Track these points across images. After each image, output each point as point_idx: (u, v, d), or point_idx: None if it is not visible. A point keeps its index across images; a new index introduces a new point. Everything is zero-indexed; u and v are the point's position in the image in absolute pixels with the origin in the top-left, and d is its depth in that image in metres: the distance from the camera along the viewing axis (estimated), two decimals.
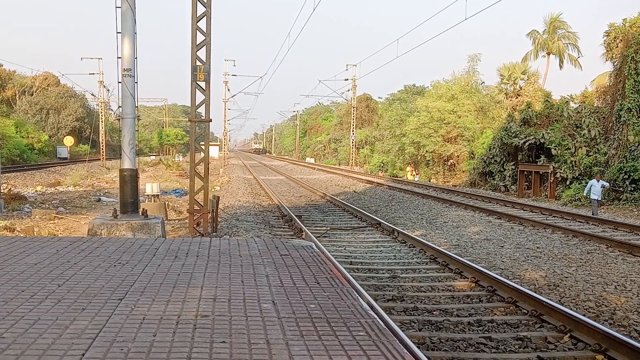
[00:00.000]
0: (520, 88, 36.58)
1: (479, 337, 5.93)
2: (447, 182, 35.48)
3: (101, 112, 53.58)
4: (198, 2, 11.97)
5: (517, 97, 35.81)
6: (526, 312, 6.79)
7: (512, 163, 27.36)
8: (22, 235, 11.75)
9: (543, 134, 25.11)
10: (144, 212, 10.19)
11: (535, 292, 7.33)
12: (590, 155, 22.85)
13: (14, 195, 19.15)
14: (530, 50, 46.70)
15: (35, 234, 12.20)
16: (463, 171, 34.91)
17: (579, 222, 15.15)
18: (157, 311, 4.43)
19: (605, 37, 24.80)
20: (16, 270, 5.79)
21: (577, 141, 23.58)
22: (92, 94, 60.36)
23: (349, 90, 53.21)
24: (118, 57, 10.15)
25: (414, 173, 39.68)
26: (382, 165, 46.38)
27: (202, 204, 12.43)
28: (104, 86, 51.75)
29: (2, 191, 17.41)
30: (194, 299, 4.81)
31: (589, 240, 11.94)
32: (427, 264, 9.66)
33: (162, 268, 6.00)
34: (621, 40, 23.41)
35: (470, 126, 35.27)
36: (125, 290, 5.04)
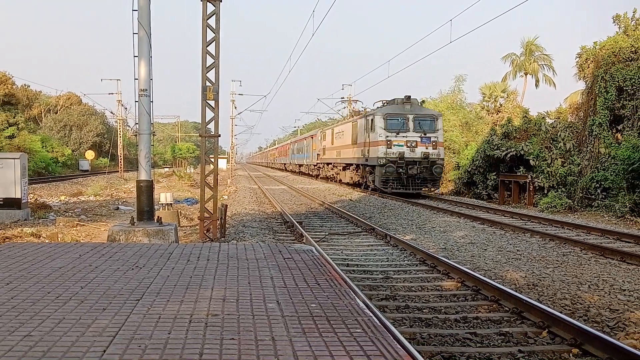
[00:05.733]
0: (501, 105, 36.74)
1: (465, 333, 5.92)
2: (434, 191, 35.43)
3: (119, 129, 53.66)
4: (208, 28, 12.03)
5: (497, 114, 35.96)
6: (508, 309, 6.78)
7: (494, 173, 27.34)
8: (47, 241, 11.72)
9: (522, 147, 25.14)
10: (158, 220, 10.18)
11: (516, 291, 7.33)
12: (565, 166, 22.86)
13: (40, 205, 19.14)
14: (509, 70, 47.18)
15: (59, 239, 12.17)
16: (449, 180, 34.91)
17: (555, 227, 15.14)
18: (171, 311, 4.43)
19: (577, 59, 24.97)
20: (43, 273, 5.78)
21: (553, 153, 23.60)
22: (111, 112, 60.63)
23: (344, 108, 53.34)
24: (135, 79, 10.18)
25: None
26: None
27: (211, 211, 12.42)
28: (122, 105, 51.92)
29: (29, 200, 17.38)
30: (205, 299, 4.81)
31: (564, 243, 11.93)
32: (417, 265, 9.65)
33: (175, 271, 6.00)
34: (592, 61, 23.54)
35: (456, 139, 35.35)
36: (142, 292, 5.04)
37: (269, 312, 4.44)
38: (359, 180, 29.09)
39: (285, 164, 63.86)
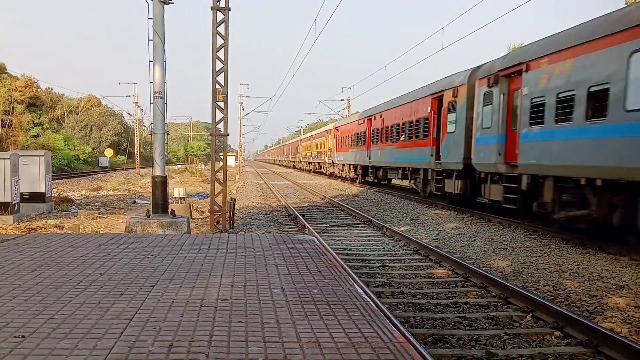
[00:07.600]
0: None
1: (455, 317, 5.92)
2: None
3: (136, 128, 53.68)
4: (217, 35, 12.00)
5: None
6: (495, 295, 6.77)
7: None
8: (69, 231, 11.73)
9: None
10: (172, 212, 10.19)
11: (503, 279, 7.32)
12: None
13: (63, 198, 19.15)
14: None
15: (80, 230, 12.19)
16: None
17: (539, 219, 15.07)
18: (184, 296, 4.43)
19: None
20: (65, 261, 5.79)
21: None
22: (129, 113, 60.84)
23: (344, 109, 53.28)
24: (150, 82, 10.18)
25: None
26: None
27: (221, 205, 12.42)
28: (138, 106, 51.96)
29: (52, 195, 17.39)
30: (215, 285, 4.80)
31: (547, 234, 11.91)
32: (411, 255, 9.64)
33: (187, 259, 6.00)
34: None
35: None
36: (157, 278, 5.04)
37: (274, 297, 4.44)
38: None
39: (354, 164, 28.16)
